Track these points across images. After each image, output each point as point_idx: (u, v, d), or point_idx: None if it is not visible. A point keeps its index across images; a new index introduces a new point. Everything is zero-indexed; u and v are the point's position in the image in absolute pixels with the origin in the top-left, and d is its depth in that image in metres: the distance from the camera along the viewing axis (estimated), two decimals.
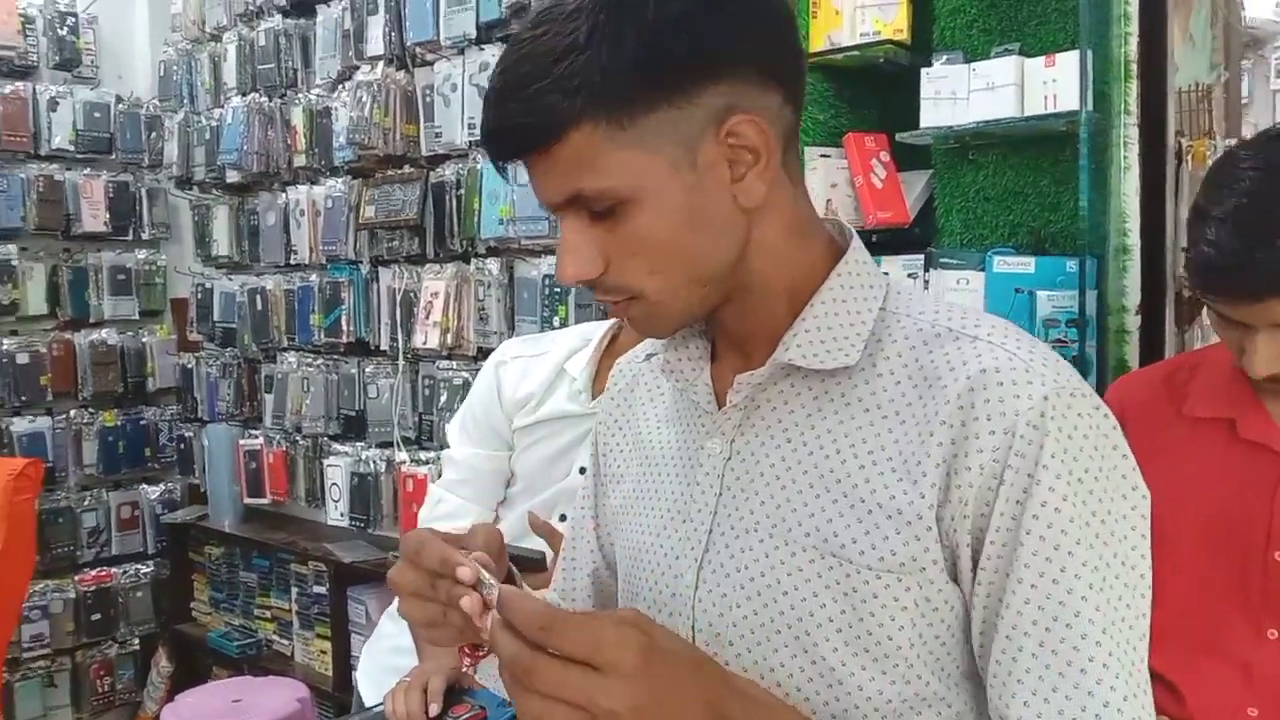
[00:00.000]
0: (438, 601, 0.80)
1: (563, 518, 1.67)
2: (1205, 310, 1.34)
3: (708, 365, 0.90)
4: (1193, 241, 1.25)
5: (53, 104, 3.88)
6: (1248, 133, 2.27)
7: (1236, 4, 2.25)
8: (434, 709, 1.49)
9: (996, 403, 0.73)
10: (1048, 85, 1.72)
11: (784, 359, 0.81)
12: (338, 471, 3.40)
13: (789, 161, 0.83)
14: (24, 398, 3.80)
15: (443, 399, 3.06)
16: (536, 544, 1.54)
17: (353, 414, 3.44)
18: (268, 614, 3.76)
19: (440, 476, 1.87)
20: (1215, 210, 1.19)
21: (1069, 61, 1.70)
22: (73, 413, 3.95)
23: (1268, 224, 1.15)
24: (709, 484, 0.86)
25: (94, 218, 3.97)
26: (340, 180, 3.40)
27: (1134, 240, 1.78)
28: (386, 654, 1.94)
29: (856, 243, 0.87)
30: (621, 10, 0.73)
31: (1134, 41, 1.77)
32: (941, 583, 0.76)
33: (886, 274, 0.94)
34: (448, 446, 1.86)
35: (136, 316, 4.14)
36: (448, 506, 1.78)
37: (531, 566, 1.43)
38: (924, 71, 1.85)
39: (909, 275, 1.95)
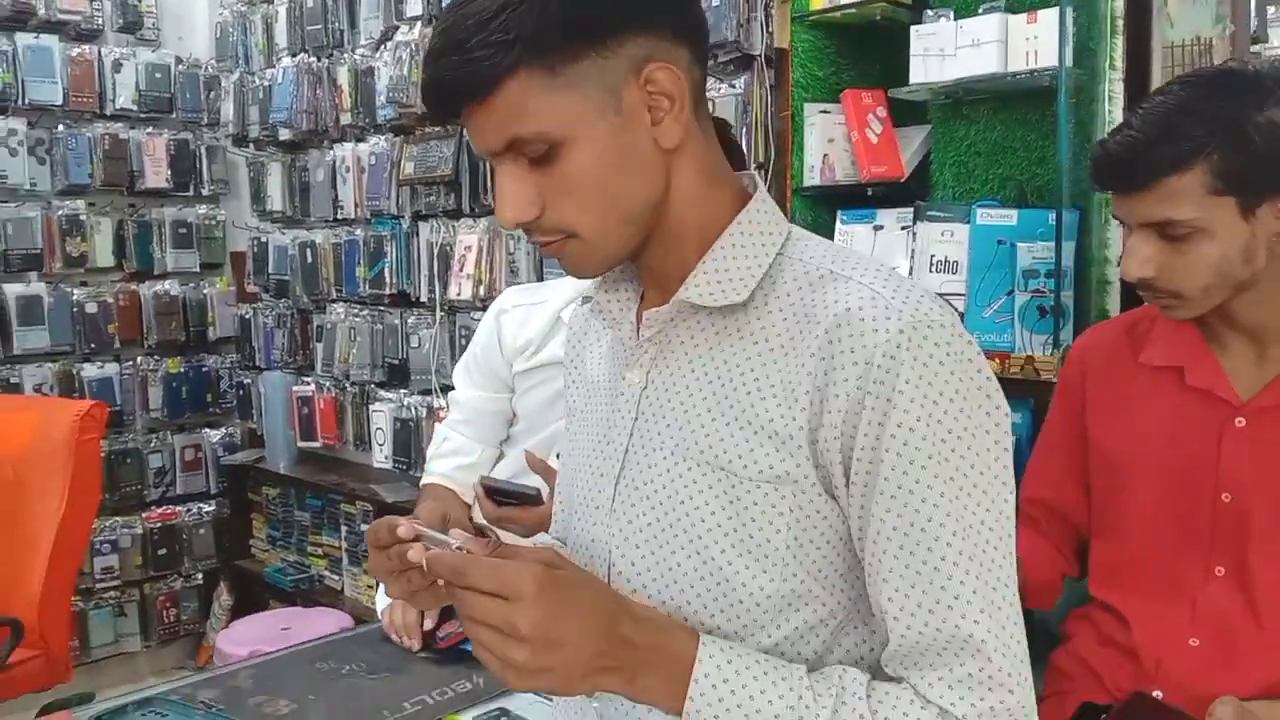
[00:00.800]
0: (403, 571, 0.92)
1: (558, 456, 1.79)
2: None
3: (635, 306, 0.99)
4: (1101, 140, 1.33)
5: (117, 65, 4.03)
6: None
7: None
8: (429, 623, 1.63)
9: (858, 336, 0.82)
10: (1029, 41, 1.77)
11: (684, 297, 0.91)
12: (382, 417, 3.57)
13: (700, 114, 0.92)
14: (93, 345, 4.01)
15: None
16: (536, 481, 1.66)
17: (396, 362, 3.59)
18: (319, 550, 3.96)
19: (447, 416, 2.00)
20: (1129, 118, 1.27)
21: (1049, 18, 1.75)
22: (139, 360, 4.15)
23: (1158, 123, 1.22)
24: (627, 409, 0.96)
25: (156, 174, 4.15)
26: (383, 137, 3.54)
27: None
28: None
29: (761, 193, 0.96)
30: None
31: None
32: (814, 494, 0.85)
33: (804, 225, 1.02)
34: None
35: (197, 269, 4.32)
36: (451, 444, 1.91)
37: (528, 501, 1.56)
38: (913, 29, 1.90)
39: (902, 227, 2.02)
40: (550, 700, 1.27)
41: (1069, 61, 1.75)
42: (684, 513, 0.90)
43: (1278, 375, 1.32)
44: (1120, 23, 1.82)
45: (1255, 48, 3.01)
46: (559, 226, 0.88)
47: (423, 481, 1.98)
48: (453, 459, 1.90)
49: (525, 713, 1.44)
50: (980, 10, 1.84)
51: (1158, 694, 1.36)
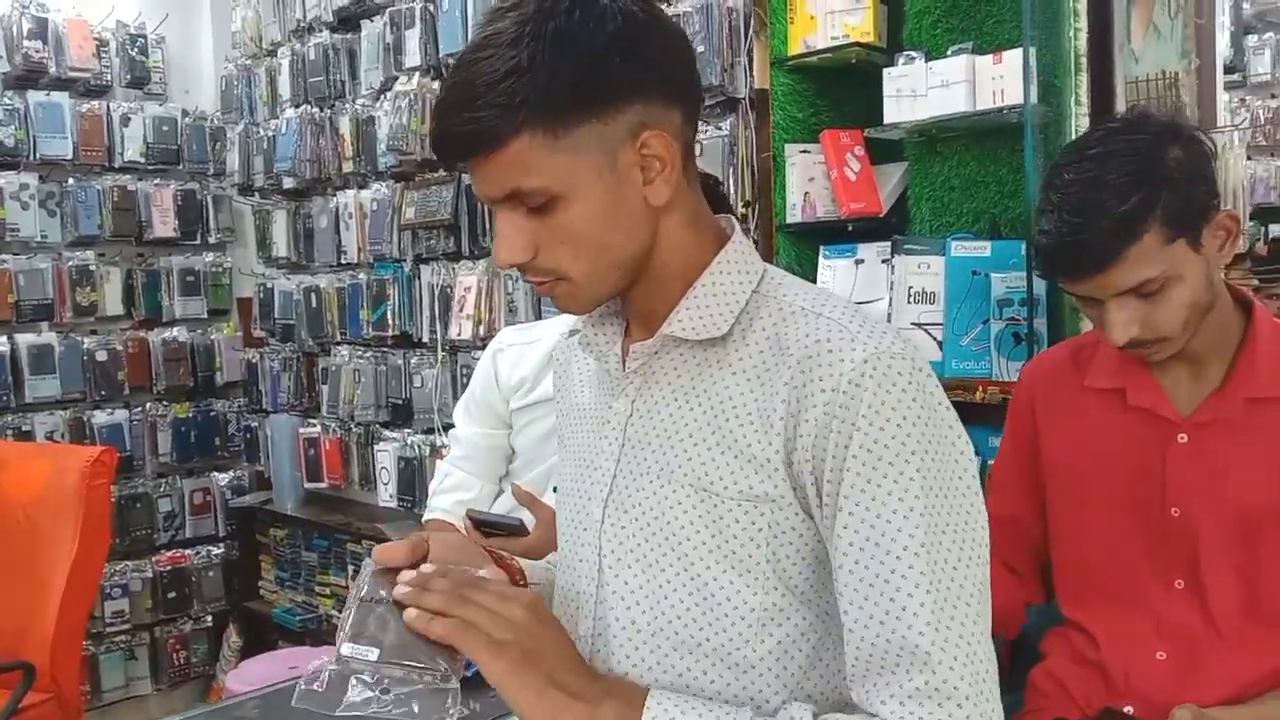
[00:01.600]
0: None
1: (555, 489, 1.85)
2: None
3: (620, 339, 1.05)
4: (1036, 231, 1.36)
5: (125, 119, 4.14)
6: (1223, 118, 2.35)
7: None
8: None
9: (826, 367, 0.88)
10: (996, 81, 1.85)
11: (668, 331, 0.97)
12: (387, 456, 3.63)
13: (688, 168, 0.99)
14: (103, 392, 4.09)
15: None
16: (527, 515, 1.73)
17: (400, 402, 3.66)
18: (327, 590, 4.01)
19: (448, 453, 2.06)
20: (1051, 196, 1.32)
21: (1014, 58, 1.83)
22: (148, 405, 4.23)
23: (1092, 205, 1.27)
24: (614, 436, 1.02)
25: (164, 224, 4.24)
26: (384, 184, 3.64)
27: None
28: None
29: (737, 235, 1.02)
30: (558, 42, 0.86)
31: (1083, 36, 1.88)
32: (790, 513, 0.91)
33: (773, 263, 1.09)
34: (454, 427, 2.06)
35: (205, 315, 4.40)
36: (453, 480, 1.98)
37: (513, 533, 1.62)
38: (886, 71, 1.98)
39: (882, 261, 2.09)
40: None
41: (1034, 99, 1.83)
42: (670, 532, 0.95)
43: (1213, 391, 1.38)
44: (1084, 60, 1.89)
45: (1231, 76, 3.09)
46: (551, 270, 0.94)
47: (425, 517, 2.05)
48: (454, 494, 1.97)
49: None
50: (949, 52, 1.92)
51: (1128, 709, 1.41)
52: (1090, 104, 1.89)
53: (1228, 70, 3.69)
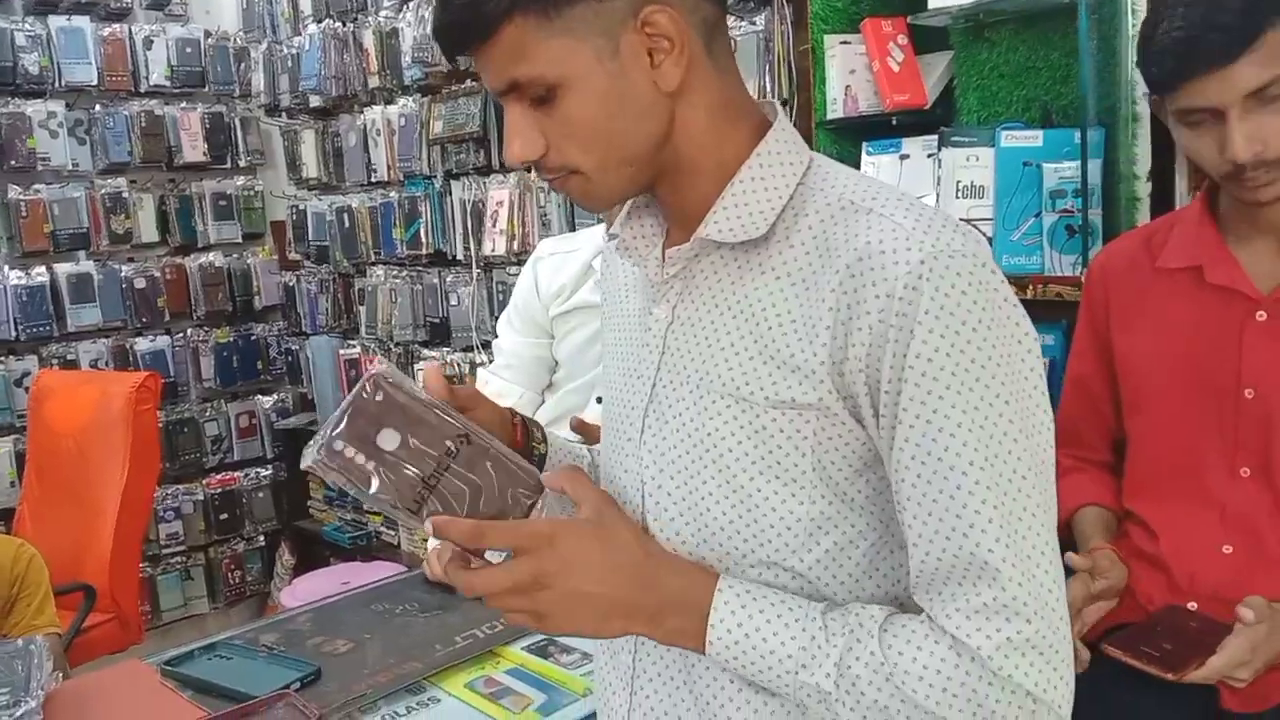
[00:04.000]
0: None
1: (599, 400, 1.83)
2: (1180, 133, 1.34)
3: (660, 241, 1.01)
4: (1152, 39, 1.28)
5: (148, 43, 4.12)
6: None
7: None
8: None
9: (879, 269, 0.82)
10: None
11: (703, 234, 0.92)
12: None
13: (715, 49, 0.91)
14: (144, 320, 4.13)
15: None
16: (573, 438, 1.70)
17: (437, 320, 3.66)
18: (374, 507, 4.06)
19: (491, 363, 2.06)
20: (1170, 9, 1.25)
21: None
22: (189, 331, 4.27)
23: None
24: (655, 344, 0.98)
25: (193, 148, 4.24)
26: (411, 99, 3.58)
27: (1143, 108, 1.80)
28: None
29: (780, 122, 0.95)
30: None
31: None
32: (837, 421, 0.86)
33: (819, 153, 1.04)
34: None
35: (240, 240, 4.42)
36: (493, 388, 1.96)
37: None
38: None
39: (928, 155, 2.02)
40: None
41: None
42: (711, 444, 0.92)
43: None
44: None
45: None
46: (562, 164, 0.91)
47: None
48: (492, 400, 1.95)
49: (571, 641, 1.49)
50: None
51: (1192, 605, 1.38)
52: None
53: None
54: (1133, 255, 1.47)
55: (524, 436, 1.09)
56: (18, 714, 1.24)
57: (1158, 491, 1.44)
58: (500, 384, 1.96)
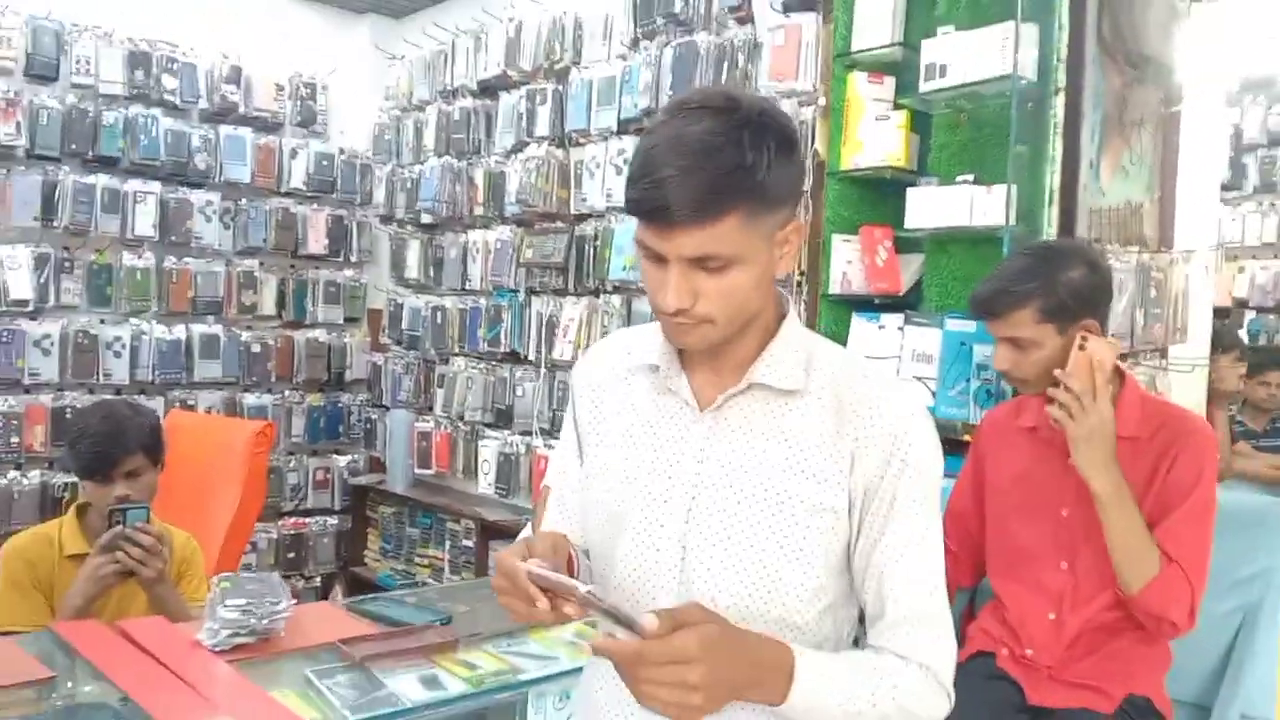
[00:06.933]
0: (516, 596, 1.08)
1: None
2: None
3: (685, 375, 1.22)
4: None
5: (293, 153, 4.97)
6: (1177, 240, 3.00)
7: (1173, 142, 2.98)
8: None
9: (886, 417, 1.15)
10: (987, 206, 2.52)
11: (755, 379, 1.17)
12: (489, 451, 4.36)
13: None
14: (254, 379, 4.89)
15: None
16: None
17: (503, 407, 4.39)
18: (425, 560, 4.73)
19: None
20: (999, 271, 2.01)
21: (1001, 190, 2.50)
22: (287, 393, 5.01)
23: (1011, 278, 1.95)
24: (693, 454, 1.19)
25: (316, 242, 5.06)
26: (508, 228, 4.38)
27: None
28: None
29: (791, 306, 1.24)
30: (781, 149, 1.05)
31: (1056, 176, 2.55)
32: (843, 518, 1.16)
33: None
34: None
35: (341, 321, 5.20)
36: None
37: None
38: (909, 190, 2.67)
39: (897, 328, 2.77)
40: None
41: (1013, 221, 2.50)
42: (751, 534, 1.15)
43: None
44: (1056, 194, 2.55)
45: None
46: (704, 315, 1.09)
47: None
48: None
49: None
50: (957, 180, 2.60)
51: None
52: (1059, 228, 2.56)
53: (1224, 188, 4.39)
54: (1005, 416, 2.18)
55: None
56: (279, 606, 1.92)
57: (1008, 575, 2.11)
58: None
